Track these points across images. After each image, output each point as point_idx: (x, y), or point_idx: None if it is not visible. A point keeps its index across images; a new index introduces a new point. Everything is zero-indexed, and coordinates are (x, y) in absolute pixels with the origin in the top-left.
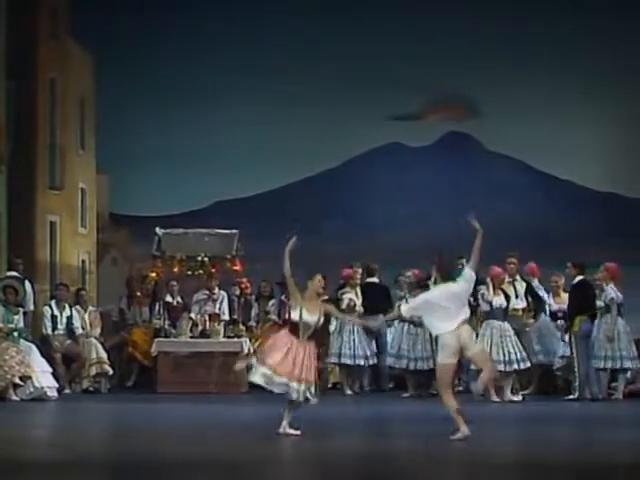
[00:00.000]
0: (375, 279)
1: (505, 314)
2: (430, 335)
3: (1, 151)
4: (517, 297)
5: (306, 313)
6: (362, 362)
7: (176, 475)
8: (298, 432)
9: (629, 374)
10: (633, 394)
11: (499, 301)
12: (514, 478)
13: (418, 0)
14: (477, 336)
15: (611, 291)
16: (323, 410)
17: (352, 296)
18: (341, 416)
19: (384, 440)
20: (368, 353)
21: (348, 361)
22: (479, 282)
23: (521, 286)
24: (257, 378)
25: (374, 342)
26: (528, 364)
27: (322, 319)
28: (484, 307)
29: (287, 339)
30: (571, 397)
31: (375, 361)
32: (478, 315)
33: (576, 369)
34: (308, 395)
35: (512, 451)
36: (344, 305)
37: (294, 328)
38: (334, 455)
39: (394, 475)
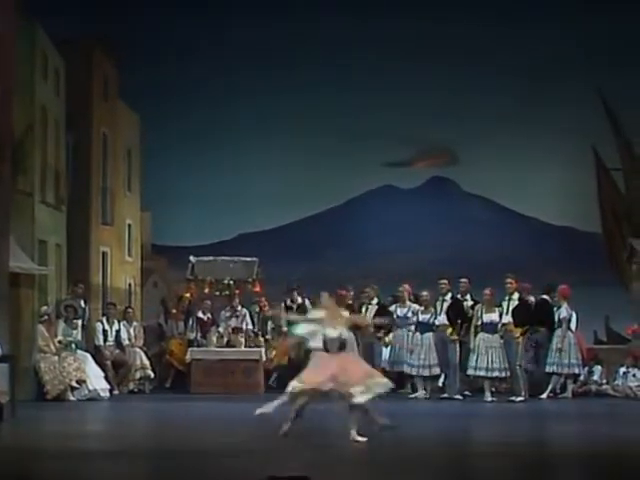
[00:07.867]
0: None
1: (496, 328)
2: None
3: (62, 193)
4: (507, 313)
5: None
6: None
7: (209, 460)
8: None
9: (582, 377)
10: (585, 393)
11: (490, 317)
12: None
13: (414, 70)
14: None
15: (564, 310)
16: None
17: None
18: None
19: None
20: None
21: None
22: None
23: (513, 304)
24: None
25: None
26: (505, 374)
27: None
28: (478, 321)
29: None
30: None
31: None
32: (476, 328)
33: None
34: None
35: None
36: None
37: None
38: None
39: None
